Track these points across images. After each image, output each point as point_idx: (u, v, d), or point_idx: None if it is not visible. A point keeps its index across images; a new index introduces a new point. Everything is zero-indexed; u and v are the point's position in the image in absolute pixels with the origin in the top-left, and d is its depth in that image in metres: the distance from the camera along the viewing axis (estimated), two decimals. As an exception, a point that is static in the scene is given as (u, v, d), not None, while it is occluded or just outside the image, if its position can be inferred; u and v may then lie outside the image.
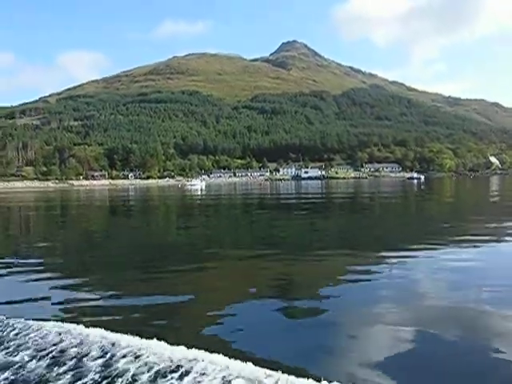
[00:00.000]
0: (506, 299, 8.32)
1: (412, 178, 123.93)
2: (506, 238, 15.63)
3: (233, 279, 10.92)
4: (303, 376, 4.86)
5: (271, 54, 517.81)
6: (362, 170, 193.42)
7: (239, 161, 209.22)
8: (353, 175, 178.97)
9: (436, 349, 6.19)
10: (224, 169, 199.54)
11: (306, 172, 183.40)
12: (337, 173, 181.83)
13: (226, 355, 5.32)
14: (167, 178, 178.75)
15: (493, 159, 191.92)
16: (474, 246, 14.30)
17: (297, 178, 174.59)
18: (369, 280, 10.14)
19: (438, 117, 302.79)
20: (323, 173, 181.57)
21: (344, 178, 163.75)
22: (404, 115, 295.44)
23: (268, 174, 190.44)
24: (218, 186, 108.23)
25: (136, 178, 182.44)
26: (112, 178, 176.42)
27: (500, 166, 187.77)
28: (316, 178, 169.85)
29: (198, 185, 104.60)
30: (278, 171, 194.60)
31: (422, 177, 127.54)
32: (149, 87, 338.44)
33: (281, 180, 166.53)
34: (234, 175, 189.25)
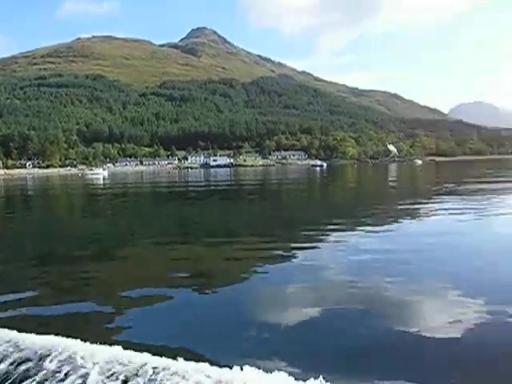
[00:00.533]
0: (409, 278, 9.04)
1: (315, 166, 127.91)
2: (405, 220, 17.29)
3: (145, 267, 10.94)
4: (203, 361, 4.77)
5: (180, 40, 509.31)
6: (270, 157, 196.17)
7: (147, 149, 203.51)
8: (261, 163, 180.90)
9: (341, 324, 6.76)
10: (130, 157, 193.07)
11: (214, 160, 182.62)
12: (245, 160, 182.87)
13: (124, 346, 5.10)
14: (69, 167, 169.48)
15: (391, 147, 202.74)
16: (378, 228, 15.30)
17: (206, 166, 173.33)
18: (280, 262, 10.62)
19: (342, 107, 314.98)
20: (232, 161, 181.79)
21: (252, 166, 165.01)
22: (311, 104, 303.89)
23: (176, 162, 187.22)
24: (124, 175, 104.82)
25: (34, 166, 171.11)
26: (7, 168, 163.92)
27: (397, 153, 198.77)
28: (225, 165, 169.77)
29: (100, 174, 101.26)
30: (187, 159, 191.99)
31: (325, 164, 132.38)
32: (48, 70, 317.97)
33: (189, 168, 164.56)
34: (141, 164, 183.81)
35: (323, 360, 5.62)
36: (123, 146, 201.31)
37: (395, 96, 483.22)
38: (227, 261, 11.33)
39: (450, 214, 18.74)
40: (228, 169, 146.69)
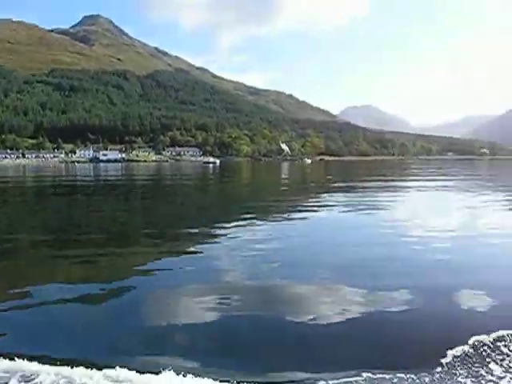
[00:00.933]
0: (302, 274, 9.67)
1: (208, 163, 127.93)
2: (297, 215, 18.55)
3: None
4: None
5: (72, 27, 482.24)
6: (164, 153, 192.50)
7: (30, 141, 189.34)
8: (154, 158, 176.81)
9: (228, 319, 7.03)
10: (11, 149, 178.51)
11: (104, 154, 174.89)
12: (138, 156, 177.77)
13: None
14: None
15: (284, 146, 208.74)
16: (272, 223, 16.34)
17: (95, 160, 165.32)
18: (178, 258, 11.10)
19: (239, 105, 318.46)
20: (123, 156, 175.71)
21: (145, 162, 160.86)
22: (207, 101, 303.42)
23: (63, 155, 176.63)
24: (3, 169, 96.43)
25: None
26: None
27: (290, 152, 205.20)
28: (116, 160, 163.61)
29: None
30: (75, 153, 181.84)
31: (218, 161, 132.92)
32: None
33: (76, 162, 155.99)
34: (23, 156, 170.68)
35: (213, 355, 5.91)
36: (3, 136, 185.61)
37: (290, 96, 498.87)
38: (111, 261, 11.09)
39: (331, 208, 20.91)
40: (119, 164, 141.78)
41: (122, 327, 6.83)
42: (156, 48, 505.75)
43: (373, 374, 5.35)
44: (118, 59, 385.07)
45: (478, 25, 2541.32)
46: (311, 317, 7.07)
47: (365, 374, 5.33)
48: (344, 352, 6.07)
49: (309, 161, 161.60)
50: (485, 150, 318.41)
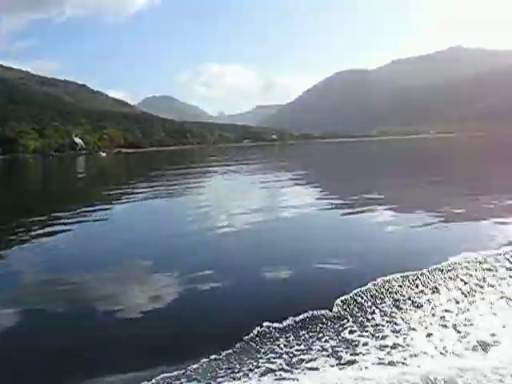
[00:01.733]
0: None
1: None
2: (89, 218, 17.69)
3: None
4: None
5: None
6: None
7: None
8: None
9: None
10: None
11: None
12: None
13: None
14: None
15: (77, 140, 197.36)
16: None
17: None
18: None
19: (24, 95, 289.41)
20: None
21: None
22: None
23: None
24: None
25: None
26: None
27: (84, 146, 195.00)
28: None
29: None
30: None
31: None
32: None
33: None
34: None
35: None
36: None
37: (83, 86, 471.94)
38: None
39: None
40: None
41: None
42: None
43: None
44: None
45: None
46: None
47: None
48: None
49: (103, 154, 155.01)
50: (275, 137, 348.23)
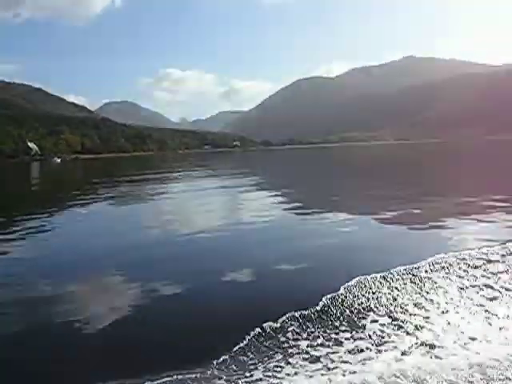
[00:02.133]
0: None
1: None
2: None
3: None
4: None
5: None
6: None
7: None
8: None
9: None
10: None
11: None
12: None
13: None
14: None
15: (32, 145, 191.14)
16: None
17: None
18: None
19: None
20: None
21: None
22: None
23: None
24: None
25: None
26: None
27: (39, 152, 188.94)
28: None
29: None
30: None
31: None
32: None
33: None
34: None
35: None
36: None
37: (39, 90, 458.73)
38: None
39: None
40: None
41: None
42: None
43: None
44: None
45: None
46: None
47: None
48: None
49: (58, 160, 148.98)
50: (237, 143, 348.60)
